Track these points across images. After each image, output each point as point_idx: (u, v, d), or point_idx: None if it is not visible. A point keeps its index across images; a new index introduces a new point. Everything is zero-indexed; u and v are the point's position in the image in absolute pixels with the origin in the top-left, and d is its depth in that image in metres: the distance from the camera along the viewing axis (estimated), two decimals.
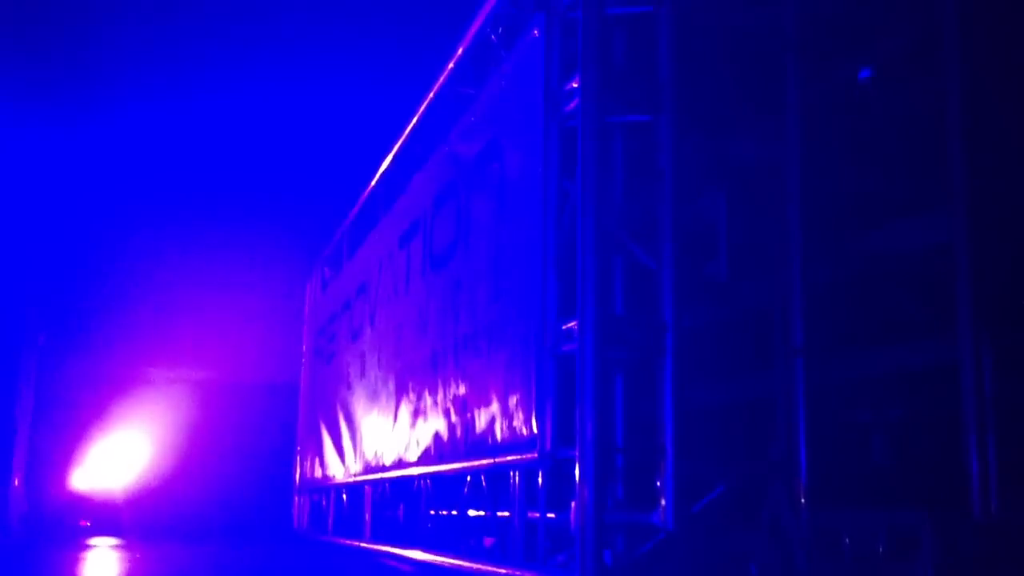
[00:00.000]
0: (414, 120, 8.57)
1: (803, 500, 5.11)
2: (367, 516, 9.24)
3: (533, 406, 5.45)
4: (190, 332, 16.26)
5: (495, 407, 5.98)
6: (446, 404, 6.89)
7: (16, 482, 15.61)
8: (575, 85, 5.38)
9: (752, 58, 5.88)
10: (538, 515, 5.61)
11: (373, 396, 9.15)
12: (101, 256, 16.27)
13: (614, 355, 5.19)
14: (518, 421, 5.61)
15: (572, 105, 5.44)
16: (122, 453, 16.17)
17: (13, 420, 15.79)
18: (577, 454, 5.01)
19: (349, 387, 10.30)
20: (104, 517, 15.78)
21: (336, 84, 13.69)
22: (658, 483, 5.02)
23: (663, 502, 4.96)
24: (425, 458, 7.27)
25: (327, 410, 11.35)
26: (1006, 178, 4.76)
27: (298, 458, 13.22)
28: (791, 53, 5.75)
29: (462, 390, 6.60)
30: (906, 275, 5.44)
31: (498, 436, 5.87)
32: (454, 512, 7.08)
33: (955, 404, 4.47)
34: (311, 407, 12.72)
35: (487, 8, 6.86)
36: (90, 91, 14.62)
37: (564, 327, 5.32)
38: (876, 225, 5.43)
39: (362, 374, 9.68)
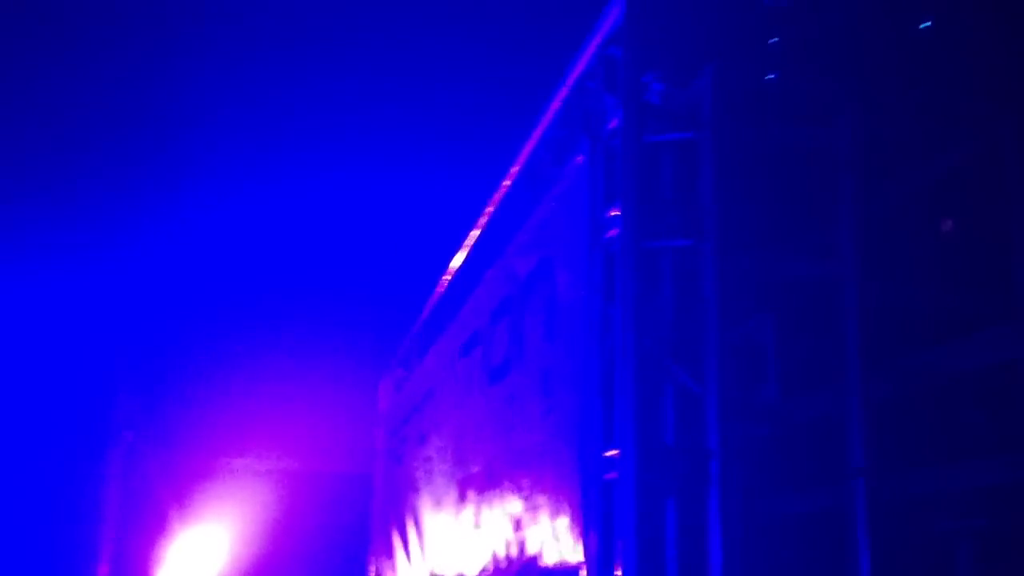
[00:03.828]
0: (475, 232, 8.72)
1: None
2: None
3: (581, 533, 5.40)
4: (269, 426, 16.60)
5: (545, 529, 5.94)
6: (502, 520, 6.87)
7: (102, 572, 15.97)
8: (616, 213, 5.42)
9: (799, 176, 5.86)
10: None
11: (438, 504, 9.16)
12: (184, 355, 16.74)
13: (659, 484, 5.14)
14: (566, 547, 5.57)
15: (614, 232, 5.48)
16: (205, 545, 16.42)
17: (100, 514, 16.20)
18: None
19: (417, 491, 10.33)
20: None
21: (408, 193, 14.10)
22: None
23: None
24: (483, 573, 7.23)
25: (398, 512, 11.39)
26: None
27: (371, 557, 13.24)
28: (846, 170, 5.72)
29: (516, 508, 6.58)
30: (969, 391, 5.31)
31: (548, 560, 5.82)
32: None
33: None
34: (384, 506, 12.77)
35: (540, 130, 6.98)
36: (164, 193, 15.21)
37: (606, 455, 5.29)
38: (937, 341, 5.32)
39: (428, 480, 9.70)
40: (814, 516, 5.74)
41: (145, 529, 16.34)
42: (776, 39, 5.86)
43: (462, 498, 8.14)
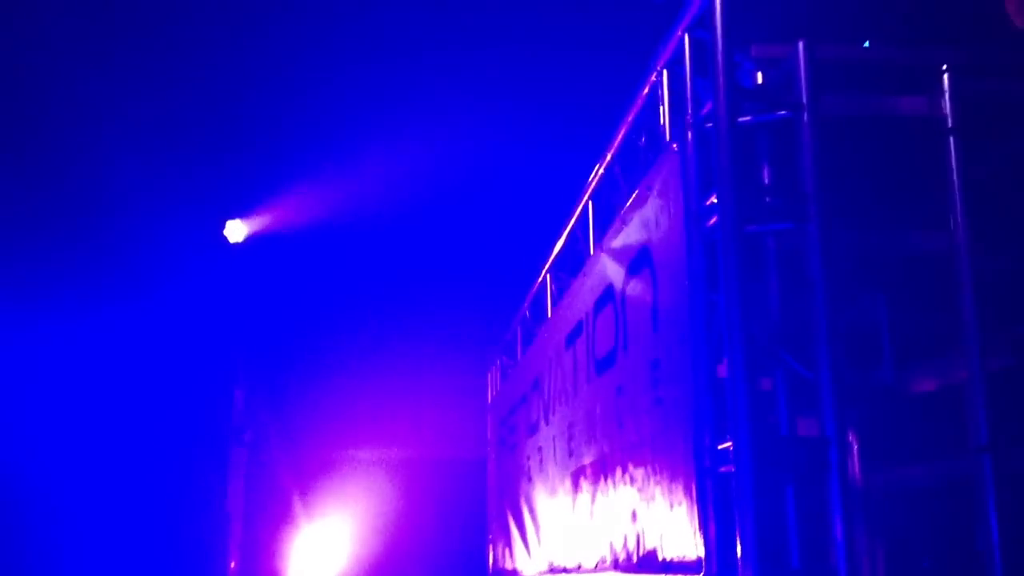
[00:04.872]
0: (571, 222, 8.68)
1: None
2: None
3: (699, 527, 5.34)
4: (386, 417, 16.96)
5: (663, 522, 5.89)
6: (617, 512, 6.84)
7: (233, 564, 16.49)
8: (714, 200, 5.31)
9: (902, 147, 5.67)
10: None
11: (551, 492, 9.18)
12: (301, 350, 17.18)
13: (776, 475, 5.05)
14: (685, 540, 5.51)
15: (713, 219, 5.37)
16: (328, 534, 16.84)
17: (227, 508, 16.75)
18: None
19: (530, 480, 10.37)
20: None
21: (513, 181, 14.22)
22: None
23: None
24: (601, 565, 7.22)
25: (512, 499, 11.46)
26: None
27: (490, 545, 13.37)
28: (951, 138, 5.52)
29: (632, 499, 6.54)
30: None
31: (667, 554, 5.77)
32: None
33: None
34: (498, 494, 12.87)
35: (631, 116, 6.89)
36: (280, 187, 15.57)
37: (720, 447, 5.21)
38: None
39: (541, 469, 9.73)
40: (936, 491, 5.60)
41: (270, 521, 16.85)
42: (868, 7, 5.69)
43: (576, 489, 8.14)
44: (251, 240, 16.45)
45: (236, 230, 16.37)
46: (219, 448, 16.75)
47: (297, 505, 17.14)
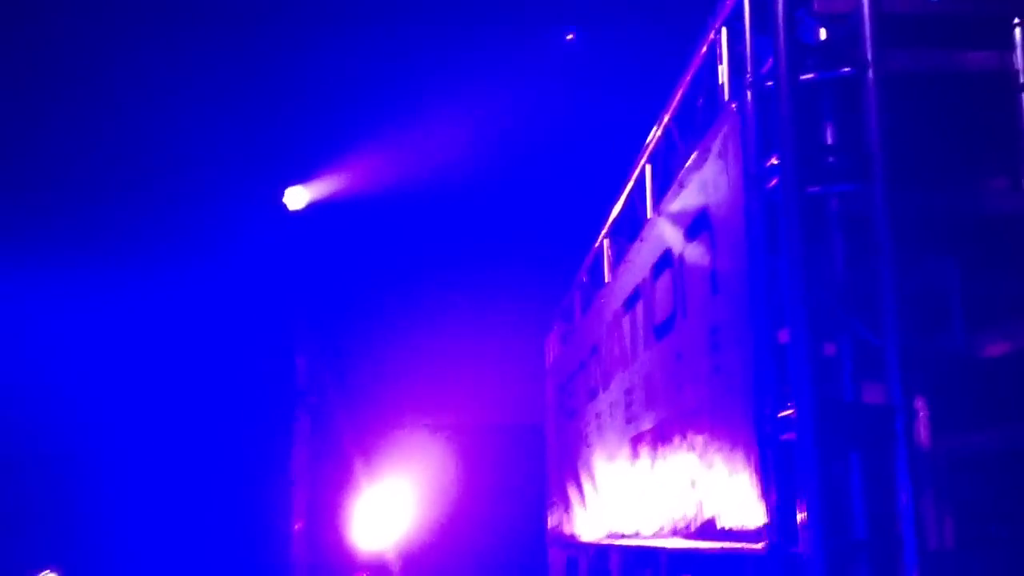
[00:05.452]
0: (628, 185, 8.55)
1: None
2: None
3: (761, 495, 5.24)
4: (445, 383, 17.05)
5: (723, 489, 5.80)
6: (677, 479, 6.76)
7: (297, 527, 16.76)
8: (775, 161, 5.16)
9: (971, 104, 5.46)
10: None
11: (611, 459, 9.12)
12: (361, 315, 17.31)
13: (840, 443, 4.92)
14: (746, 509, 5.42)
15: (774, 181, 5.23)
16: (390, 499, 17.02)
17: (290, 471, 17.01)
18: (803, 552, 4.78)
19: (589, 446, 10.32)
20: (377, 567, 16.64)
21: (569, 145, 14.13)
22: None
23: None
24: (660, 532, 7.16)
25: (571, 465, 11.43)
26: None
27: (549, 510, 13.38)
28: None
29: (691, 467, 6.46)
30: None
31: (727, 522, 5.69)
32: None
33: None
34: (558, 459, 12.85)
35: (688, 76, 6.73)
36: (336, 161, 15.66)
37: (781, 415, 5.10)
38: None
39: (600, 435, 9.67)
40: (1006, 457, 5.44)
41: (333, 484, 17.06)
42: None
43: (635, 455, 8.06)
44: (311, 206, 16.54)
45: (297, 196, 16.46)
46: (282, 413, 16.99)
47: (359, 469, 17.33)
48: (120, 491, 15.90)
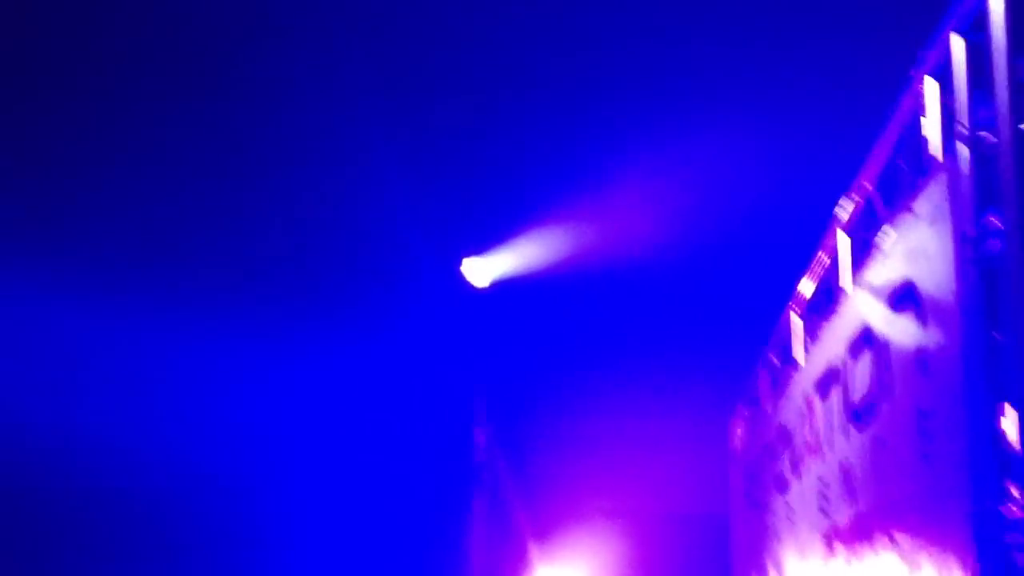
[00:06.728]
0: (818, 255, 7.97)
1: None
2: None
3: None
4: (624, 466, 16.60)
5: None
6: None
7: None
8: (996, 223, 4.55)
9: None
10: None
11: (802, 555, 8.39)
12: (541, 392, 17.10)
13: None
14: None
15: (994, 243, 4.61)
16: None
17: (465, 546, 16.79)
18: None
19: (779, 540, 9.59)
20: None
21: (751, 220, 13.67)
22: None
23: None
24: None
25: (758, 560, 10.69)
26: None
27: None
28: None
29: (895, 567, 5.76)
30: None
31: None
32: None
33: None
34: (744, 552, 12.08)
35: (890, 134, 6.18)
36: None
37: (1004, 511, 4.40)
38: None
39: (791, 529, 8.95)
40: None
41: (507, 562, 16.77)
42: None
43: (830, 552, 7.35)
44: (495, 283, 16.50)
45: (481, 271, 16.43)
46: (459, 491, 16.85)
47: (533, 551, 17.00)
48: (303, 569, 16.04)
